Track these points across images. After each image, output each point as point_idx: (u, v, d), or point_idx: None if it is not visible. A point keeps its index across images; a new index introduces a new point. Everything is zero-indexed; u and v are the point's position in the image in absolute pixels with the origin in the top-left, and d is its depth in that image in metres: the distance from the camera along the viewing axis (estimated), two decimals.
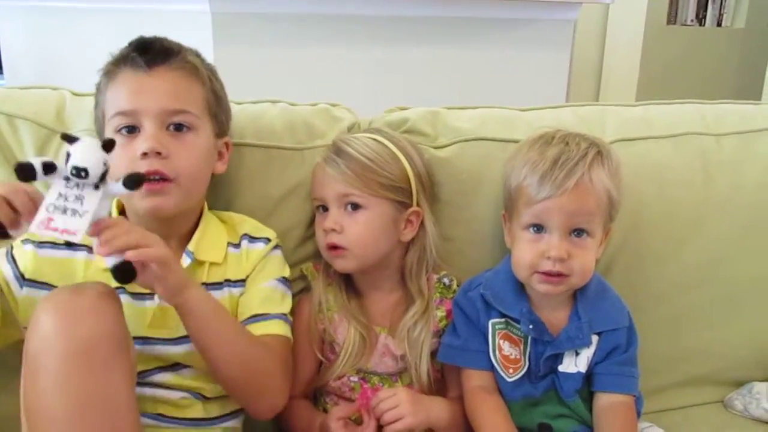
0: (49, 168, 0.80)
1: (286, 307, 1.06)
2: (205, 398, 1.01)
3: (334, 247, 1.07)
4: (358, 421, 1.04)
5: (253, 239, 1.07)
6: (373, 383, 1.09)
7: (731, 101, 1.40)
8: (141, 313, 0.97)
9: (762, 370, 1.31)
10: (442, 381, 1.13)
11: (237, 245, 1.06)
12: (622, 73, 3.72)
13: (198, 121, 1.00)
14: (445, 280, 1.13)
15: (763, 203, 1.27)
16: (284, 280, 1.08)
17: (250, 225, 1.09)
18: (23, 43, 2.81)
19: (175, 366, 0.99)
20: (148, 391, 0.98)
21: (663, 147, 1.26)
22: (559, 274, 1.00)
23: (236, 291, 1.04)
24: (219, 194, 1.13)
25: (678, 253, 1.24)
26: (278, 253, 1.09)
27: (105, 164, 0.81)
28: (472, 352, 1.06)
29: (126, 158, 0.94)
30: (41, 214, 0.78)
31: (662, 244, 1.23)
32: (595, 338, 1.04)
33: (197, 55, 1.05)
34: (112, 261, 0.83)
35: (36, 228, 0.78)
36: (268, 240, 1.08)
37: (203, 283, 1.01)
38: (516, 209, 1.04)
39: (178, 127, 0.98)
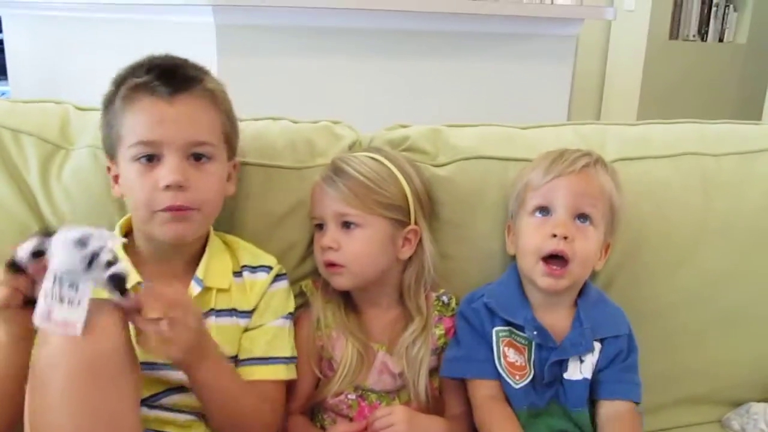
0: (39, 254, 0.79)
1: (290, 346, 1.08)
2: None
3: (331, 265, 1.08)
4: None
5: (253, 269, 1.08)
6: (371, 401, 1.10)
7: (731, 121, 1.41)
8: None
9: (759, 391, 1.31)
10: (440, 399, 1.13)
11: (239, 274, 1.07)
12: (624, 87, 3.73)
13: (216, 150, 1.01)
14: (444, 298, 1.14)
15: (761, 227, 1.27)
16: (290, 315, 1.10)
17: (248, 253, 1.10)
18: (28, 51, 2.83)
19: (182, 388, 0.99)
20: (156, 412, 0.99)
21: (663, 166, 1.27)
22: (562, 258, 1.02)
23: (242, 322, 1.05)
24: (221, 213, 1.13)
25: (676, 273, 1.24)
26: (283, 284, 1.10)
27: (87, 256, 0.78)
28: (477, 362, 1.07)
29: (147, 187, 0.95)
30: (41, 305, 0.77)
31: (661, 263, 1.24)
32: (597, 345, 1.06)
33: (215, 79, 1.05)
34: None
35: (39, 321, 0.78)
36: (269, 268, 1.08)
37: (211, 309, 1.02)
38: (523, 203, 1.09)
39: (198, 157, 0.98)
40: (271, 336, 1.05)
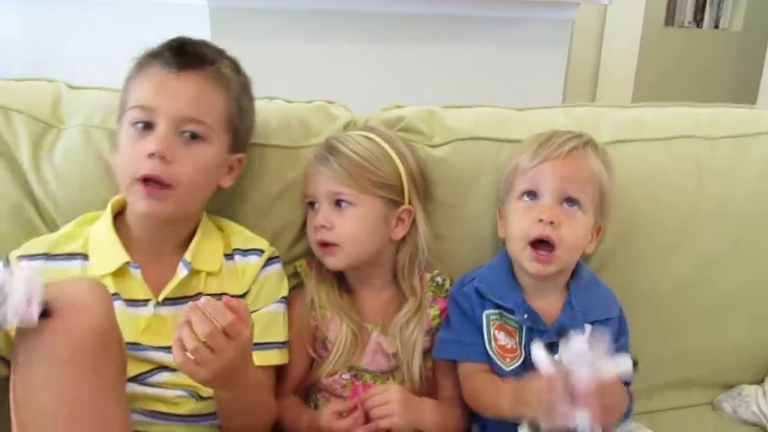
0: None
1: (283, 331, 1.08)
2: (199, 397, 1.01)
3: (324, 244, 1.08)
4: None
5: (244, 252, 1.07)
6: (365, 381, 1.10)
7: (726, 104, 1.40)
8: (134, 321, 0.97)
9: (752, 374, 1.31)
10: (433, 380, 1.13)
11: (231, 257, 1.07)
12: (619, 73, 3.73)
13: (212, 133, 0.99)
14: (438, 279, 1.14)
15: (754, 213, 1.26)
16: (284, 300, 1.09)
17: (239, 236, 1.09)
18: (20, 34, 2.79)
19: (172, 368, 0.99)
20: (145, 389, 0.98)
21: (656, 150, 1.27)
22: (548, 243, 1.02)
23: None
24: (213, 194, 1.13)
25: (668, 258, 1.24)
26: (276, 268, 1.09)
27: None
28: (467, 345, 1.07)
29: (134, 154, 0.96)
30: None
31: (653, 248, 1.24)
32: (588, 327, 1.05)
33: (235, 67, 1.06)
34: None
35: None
36: (261, 251, 1.08)
37: (199, 294, 1.01)
38: (511, 187, 1.08)
39: (192, 135, 0.98)
40: (265, 322, 1.05)
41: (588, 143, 1.08)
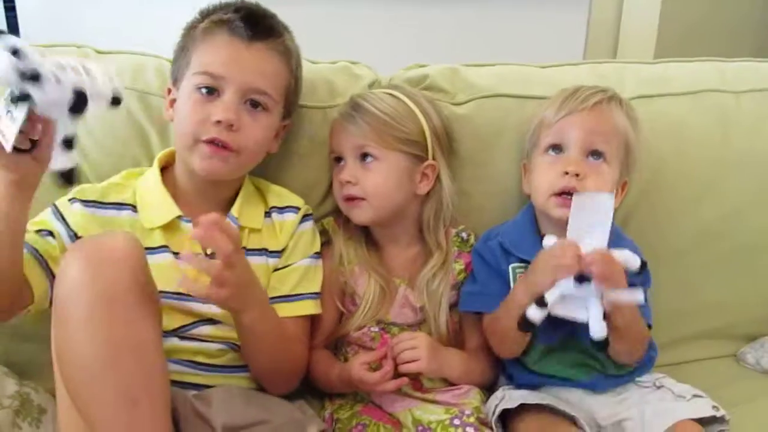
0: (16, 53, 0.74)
1: (318, 283, 1.11)
2: (237, 347, 1.04)
3: (350, 199, 1.10)
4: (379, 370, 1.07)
5: (281, 210, 1.11)
6: (393, 333, 1.12)
7: (751, 59, 1.40)
8: (182, 273, 0.98)
9: None
10: (460, 333, 1.16)
11: (268, 215, 1.10)
12: (640, 30, 3.66)
13: (273, 104, 1.04)
14: (463, 234, 1.16)
15: None
16: (317, 255, 1.12)
17: (275, 194, 1.12)
18: (40, 9, 2.81)
19: (212, 320, 1.02)
20: (187, 342, 1.02)
21: (681, 104, 1.27)
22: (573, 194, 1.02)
23: (272, 262, 1.08)
24: None
25: (694, 209, 1.25)
26: (309, 225, 1.13)
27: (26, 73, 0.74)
28: (491, 296, 1.08)
29: (199, 116, 0.99)
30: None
31: (679, 200, 1.25)
32: None
33: (294, 39, 1.09)
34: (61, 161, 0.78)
35: None
36: (297, 209, 1.11)
37: (244, 247, 1.04)
38: (537, 141, 1.09)
39: (255, 104, 1.01)
40: (300, 274, 1.08)
41: (613, 98, 1.09)
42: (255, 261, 1.05)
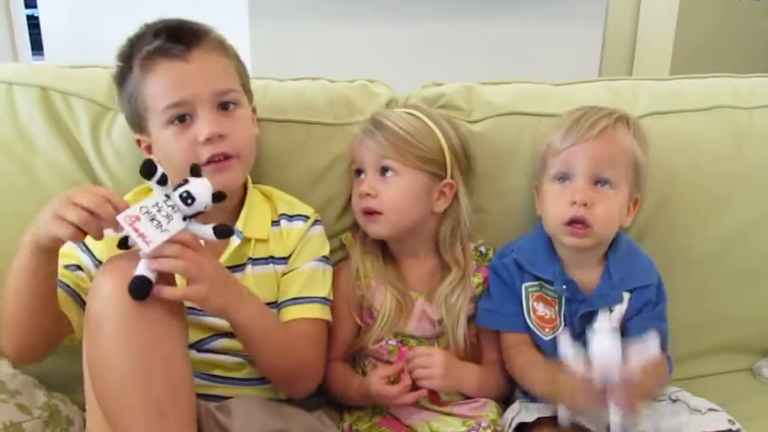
0: (163, 180, 0.85)
1: (326, 288, 1.11)
2: None
3: (368, 212, 1.13)
4: (397, 383, 1.08)
5: (290, 218, 1.12)
6: (411, 346, 1.14)
7: (764, 75, 1.41)
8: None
9: None
10: (477, 345, 1.17)
11: (277, 223, 1.11)
12: (656, 46, 3.67)
13: (240, 95, 1.04)
14: (482, 248, 1.18)
15: None
16: (325, 259, 1.13)
17: (285, 203, 1.13)
18: (63, 26, 2.87)
19: (229, 334, 1.04)
20: (205, 355, 1.04)
21: (695, 120, 1.28)
22: (583, 223, 1.04)
23: (280, 268, 1.09)
24: (263, 169, 1.18)
25: (708, 223, 1.26)
26: (318, 230, 1.14)
27: (206, 208, 0.88)
28: (507, 315, 1.11)
29: (184, 145, 0.99)
30: (133, 210, 0.83)
31: (693, 214, 1.26)
32: (626, 295, 1.08)
33: (213, 30, 1.06)
34: (140, 270, 0.84)
35: (122, 219, 0.82)
36: (306, 218, 1.12)
37: (249, 258, 1.07)
38: (545, 167, 1.11)
39: (226, 105, 1.02)
40: (306, 277, 1.09)
41: (619, 120, 1.09)
42: (262, 270, 1.07)
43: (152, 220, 0.84)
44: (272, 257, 1.09)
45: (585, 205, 1.04)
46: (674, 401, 1.08)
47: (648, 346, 0.95)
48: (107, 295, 0.83)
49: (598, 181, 1.06)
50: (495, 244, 1.20)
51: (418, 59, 2.23)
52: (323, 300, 1.10)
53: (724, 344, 1.32)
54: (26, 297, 0.91)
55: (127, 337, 0.82)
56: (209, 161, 0.99)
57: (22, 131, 1.16)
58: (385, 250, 1.19)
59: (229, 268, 1.04)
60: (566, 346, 0.97)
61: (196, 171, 0.90)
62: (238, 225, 1.07)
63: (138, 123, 1.05)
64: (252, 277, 1.07)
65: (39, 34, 3.01)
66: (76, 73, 1.24)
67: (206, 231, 0.89)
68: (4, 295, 0.93)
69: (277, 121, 1.19)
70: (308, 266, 1.10)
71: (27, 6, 3.06)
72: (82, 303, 0.98)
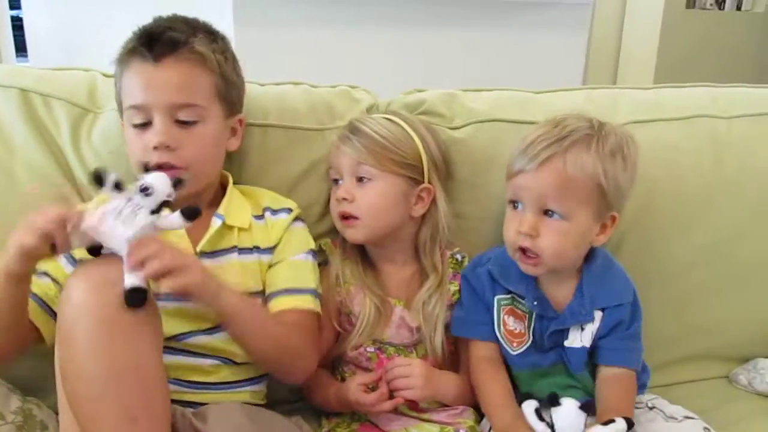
0: (118, 186, 0.86)
1: (315, 280, 1.11)
2: (234, 363, 1.06)
3: (345, 217, 1.13)
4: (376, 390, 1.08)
5: (275, 211, 1.13)
6: (389, 353, 1.14)
7: (744, 85, 1.42)
8: None
9: (767, 347, 1.34)
10: (455, 353, 1.18)
11: (260, 217, 1.12)
12: (640, 56, 3.70)
13: (205, 112, 1.03)
14: (458, 256, 1.19)
15: None
16: (312, 252, 1.13)
17: (269, 198, 1.15)
18: (47, 28, 2.85)
19: (210, 330, 1.04)
20: (181, 358, 1.03)
21: (674, 129, 1.29)
22: (530, 252, 1.03)
23: (265, 258, 1.09)
24: (243, 172, 1.19)
25: (686, 232, 1.27)
26: (302, 225, 1.15)
27: (169, 197, 0.88)
28: (476, 324, 1.11)
29: (139, 147, 1.01)
30: (97, 213, 0.84)
31: (671, 223, 1.27)
32: (598, 314, 1.07)
33: (211, 37, 1.06)
34: (131, 280, 0.84)
35: (87, 224, 0.83)
36: (290, 210, 1.13)
37: (234, 246, 1.07)
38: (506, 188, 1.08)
39: (184, 121, 1.02)
40: (295, 269, 1.10)
41: (575, 143, 1.01)
42: (248, 259, 1.08)
43: (117, 216, 0.84)
44: (257, 247, 1.10)
45: (531, 235, 1.02)
46: (650, 408, 1.09)
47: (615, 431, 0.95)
48: (79, 303, 0.83)
49: (547, 212, 1.02)
50: (474, 249, 1.20)
51: (404, 65, 2.23)
52: (313, 291, 1.10)
53: (701, 352, 1.33)
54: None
55: (98, 343, 0.82)
56: (159, 167, 1.00)
57: (2, 133, 1.16)
58: (364, 257, 1.19)
59: (214, 252, 1.06)
60: (530, 413, 0.99)
61: (147, 169, 0.92)
62: (220, 210, 1.08)
63: (120, 110, 1.08)
64: (239, 265, 1.07)
65: (23, 36, 3.00)
66: (57, 75, 1.24)
67: (174, 218, 0.89)
68: None
69: (258, 126, 1.19)
70: (297, 258, 1.11)
71: (11, 7, 3.04)
72: (51, 312, 0.98)
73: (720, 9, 3.94)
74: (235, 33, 2.09)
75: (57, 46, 2.79)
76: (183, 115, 1.01)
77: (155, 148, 0.99)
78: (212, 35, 1.07)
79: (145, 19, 1.07)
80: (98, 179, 0.85)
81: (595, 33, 3.09)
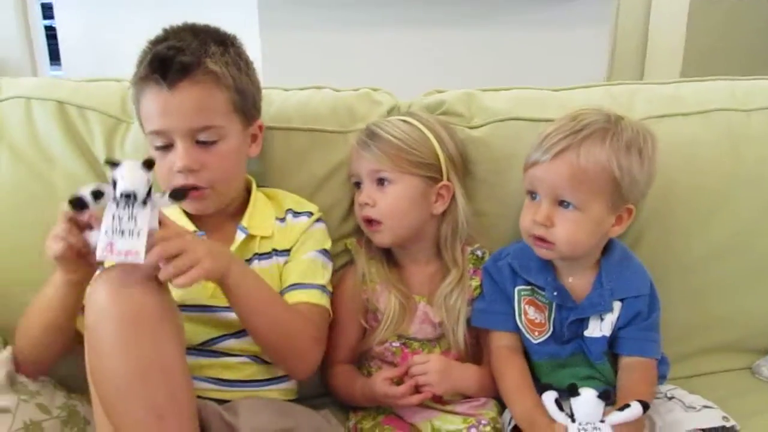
0: (98, 195, 0.86)
1: (325, 278, 1.14)
2: (264, 362, 1.11)
3: (369, 221, 1.17)
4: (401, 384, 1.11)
5: (296, 214, 1.16)
6: (414, 348, 1.18)
7: (763, 77, 1.43)
8: (204, 285, 1.06)
9: None
10: (478, 346, 1.21)
11: (282, 219, 1.16)
12: (667, 48, 3.67)
13: (224, 130, 1.06)
14: (478, 252, 1.22)
15: None
16: (325, 252, 1.17)
17: (292, 200, 1.18)
18: (81, 37, 2.93)
19: (238, 333, 1.08)
20: (213, 358, 1.08)
21: (692, 123, 1.31)
22: (545, 240, 1.06)
23: (282, 260, 1.13)
24: (268, 175, 1.23)
25: (706, 225, 1.28)
26: (321, 226, 1.18)
27: (149, 181, 0.86)
28: (497, 314, 1.14)
29: (164, 170, 1.05)
30: (102, 241, 0.84)
31: (690, 216, 1.28)
32: (617, 304, 1.10)
33: (222, 48, 1.06)
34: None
35: (101, 254, 0.84)
36: (311, 214, 1.17)
37: (255, 254, 1.11)
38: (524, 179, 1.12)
39: (205, 142, 1.04)
40: (305, 265, 1.13)
41: (588, 137, 1.04)
42: (266, 264, 1.12)
43: (122, 234, 0.84)
44: (275, 250, 1.13)
45: (545, 225, 1.06)
46: (669, 399, 1.11)
47: (631, 415, 0.97)
48: (102, 305, 0.87)
49: (562, 202, 1.06)
50: (494, 245, 1.23)
51: (428, 66, 2.26)
52: (322, 287, 1.13)
53: (722, 344, 1.34)
54: (42, 320, 0.99)
55: (123, 345, 0.86)
56: (185, 189, 1.03)
57: (40, 144, 1.22)
58: (389, 256, 1.23)
59: None
60: (550, 403, 1.01)
61: (112, 163, 0.88)
62: (244, 222, 1.12)
63: (142, 128, 1.10)
64: (258, 272, 1.10)
65: (56, 44, 3.08)
66: (91, 86, 1.29)
67: (164, 200, 0.90)
68: (27, 313, 1.01)
69: (281, 129, 1.23)
70: (308, 256, 1.14)
71: (45, 17, 3.12)
72: None
73: None
74: (261, 36, 2.14)
75: (90, 54, 2.87)
76: (203, 137, 1.04)
77: (179, 171, 1.03)
78: (223, 45, 1.07)
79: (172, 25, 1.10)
80: (79, 203, 0.86)
81: (620, 26, 3.09)
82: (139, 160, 0.86)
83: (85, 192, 0.86)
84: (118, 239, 0.84)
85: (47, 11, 3.08)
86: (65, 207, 0.87)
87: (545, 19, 2.34)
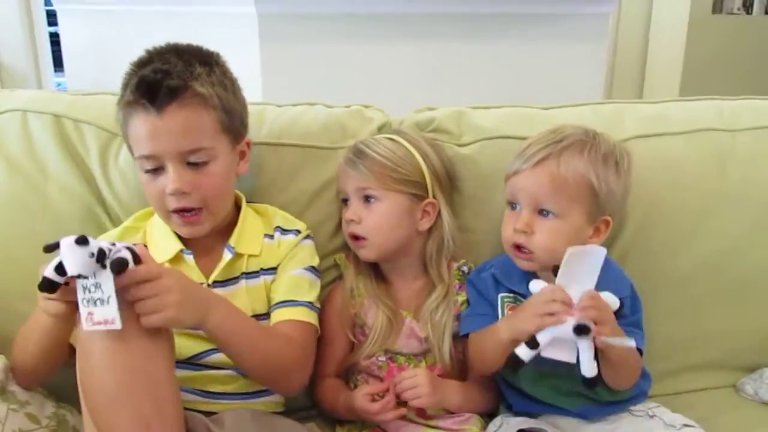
0: (61, 271, 0.83)
1: (312, 295, 1.15)
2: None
3: (355, 237, 1.19)
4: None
5: (284, 231, 1.18)
6: (400, 363, 1.20)
7: (751, 97, 1.44)
8: None
9: None
10: (464, 362, 1.22)
11: (271, 236, 1.17)
12: (666, 64, 3.69)
13: (214, 151, 1.06)
14: (464, 268, 1.24)
15: None
16: (312, 269, 1.18)
17: (281, 218, 1.20)
18: (83, 45, 2.96)
19: None
20: (200, 371, 1.10)
21: (678, 142, 1.32)
22: (524, 249, 1.09)
23: (269, 278, 1.15)
24: (257, 190, 1.25)
25: (691, 243, 1.30)
26: (308, 243, 1.20)
27: (92, 255, 0.82)
28: (480, 315, 1.15)
29: (155, 193, 1.06)
30: (83, 311, 0.85)
31: (675, 234, 1.29)
32: None
33: (207, 69, 1.06)
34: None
35: (86, 326, 0.85)
36: (298, 231, 1.18)
37: (243, 273, 1.13)
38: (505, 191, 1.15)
39: (195, 164, 1.05)
40: (292, 283, 1.14)
41: (568, 147, 1.09)
42: (253, 283, 1.13)
43: (95, 303, 0.84)
44: (263, 269, 1.15)
45: (525, 232, 1.09)
46: (651, 417, 1.11)
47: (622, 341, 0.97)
48: None
49: (542, 211, 1.09)
50: (480, 261, 1.24)
51: (425, 80, 2.28)
52: (309, 305, 1.14)
53: (707, 361, 1.35)
54: (40, 341, 0.99)
55: (112, 358, 0.88)
56: (176, 211, 1.06)
57: (36, 156, 1.24)
58: (377, 271, 1.25)
59: (223, 282, 1.11)
60: (536, 284, 1.02)
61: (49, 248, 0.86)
62: (231, 241, 1.13)
63: (130, 151, 1.11)
64: (245, 290, 1.13)
65: (60, 50, 3.10)
66: (88, 100, 1.32)
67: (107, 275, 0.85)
68: (22, 332, 1.02)
69: (273, 145, 1.25)
70: (295, 272, 1.15)
71: (50, 24, 3.15)
72: None
73: (748, 13, 3.91)
74: (260, 50, 2.16)
75: (92, 61, 2.90)
76: (194, 158, 1.04)
77: (171, 194, 1.04)
78: (208, 65, 1.07)
79: (177, 38, 1.11)
80: (49, 286, 0.85)
81: (620, 42, 3.10)
82: (72, 236, 0.83)
83: (49, 272, 0.84)
84: (94, 308, 0.85)
85: (52, 18, 3.11)
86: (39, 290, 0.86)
87: (543, 34, 2.36)
